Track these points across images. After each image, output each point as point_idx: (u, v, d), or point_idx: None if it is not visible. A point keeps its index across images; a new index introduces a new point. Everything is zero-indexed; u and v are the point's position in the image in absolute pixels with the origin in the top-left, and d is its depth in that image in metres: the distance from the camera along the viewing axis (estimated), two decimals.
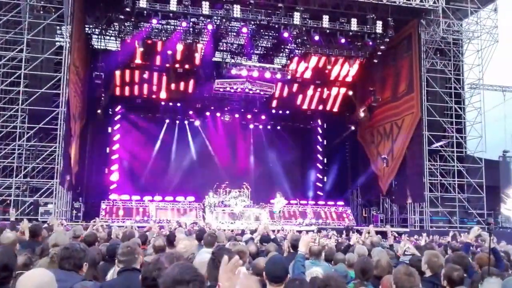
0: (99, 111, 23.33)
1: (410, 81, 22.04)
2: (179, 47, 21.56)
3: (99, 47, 23.70)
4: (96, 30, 22.83)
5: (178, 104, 25.32)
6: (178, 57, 22.21)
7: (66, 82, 18.04)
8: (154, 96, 24.56)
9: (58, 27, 19.56)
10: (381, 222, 23.26)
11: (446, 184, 21.27)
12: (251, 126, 27.12)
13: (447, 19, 20.86)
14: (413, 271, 3.40)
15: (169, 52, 21.41)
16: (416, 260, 4.80)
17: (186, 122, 26.09)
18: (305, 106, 26.73)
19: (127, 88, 24.07)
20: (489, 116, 22.44)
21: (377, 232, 9.83)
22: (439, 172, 21.16)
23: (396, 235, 11.85)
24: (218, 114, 26.09)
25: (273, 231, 12.72)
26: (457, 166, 21.29)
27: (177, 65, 22.79)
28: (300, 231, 12.70)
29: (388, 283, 3.60)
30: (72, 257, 3.41)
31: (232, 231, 13.00)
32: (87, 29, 22.20)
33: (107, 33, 23.08)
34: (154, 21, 19.74)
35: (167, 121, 25.77)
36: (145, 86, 23.97)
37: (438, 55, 21.90)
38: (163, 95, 24.56)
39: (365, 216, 25.70)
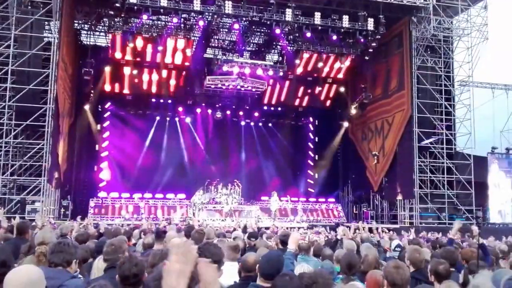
0: (87, 107, 23.08)
1: (401, 78, 22.15)
2: (170, 43, 21.39)
3: (88, 43, 23.45)
4: (85, 25, 22.55)
5: (169, 101, 25.15)
6: (169, 53, 22.04)
7: (54, 79, 17.80)
8: (144, 93, 24.36)
9: (46, 23, 19.29)
10: (371, 219, 23.37)
11: (435, 181, 21.42)
12: (243, 123, 27.05)
13: (438, 16, 20.98)
14: (402, 265, 3.40)
15: (160, 48, 21.24)
16: (405, 255, 4.80)
17: (176, 119, 25.92)
18: (296, 103, 26.74)
19: (116, 85, 23.80)
20: (478, 113, 22.64)
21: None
22: (428, 169, 21.30)
23: (386, 231, 11.89)
24: (209, 111, 25.95)
25: (266, 228, 12.74)
26: (446, 163, 21.44)
27: (167, 62, 22.62)
28: (291, 228, 12.72)
29: (372, 278, 3.59)
30: (64, 252, 3.35)
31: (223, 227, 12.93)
32: (76, 24, 21.94)
33: (97, 29, 22.80)
34: (145, 16, 19.55)
35: (158, 118, 25.58)
36: (135, 82, 23.72)
37: (429, 52, 22.02)
38: (153, 91, 24.40)
39: (355, 213, 25.82)
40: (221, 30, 22.85)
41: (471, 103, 22.32)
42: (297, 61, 23.32)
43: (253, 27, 22.42)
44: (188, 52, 22.19)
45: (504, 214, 22.57)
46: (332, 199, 26.74)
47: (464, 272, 3.99)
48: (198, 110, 25.84)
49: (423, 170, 21.12)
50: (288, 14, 20.04)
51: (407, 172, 21.25)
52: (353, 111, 24.92)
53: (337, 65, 23.85)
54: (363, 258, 4.31)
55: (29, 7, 18.50)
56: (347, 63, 23.57)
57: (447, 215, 20.92)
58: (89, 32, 23.17)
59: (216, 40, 24.39)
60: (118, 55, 21.95)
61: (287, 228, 12.15)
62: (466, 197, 21.30)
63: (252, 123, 27.16)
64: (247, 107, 26.21)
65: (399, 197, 22.05)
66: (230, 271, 3.62)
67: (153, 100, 25.00)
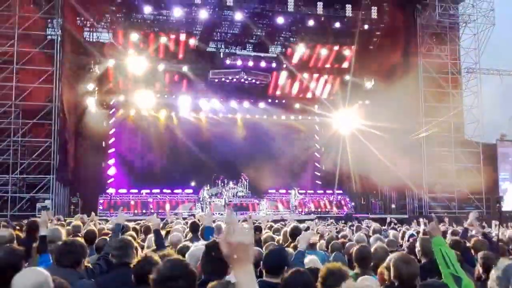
0: (92, 104, 23.09)
1: (406, 67, 21.87)
2: (172, 37, 21.30)
3: (91, 39, 23.40)
4: (88, 22, 22.51)
5: (173, 96, 25.08)
6: (171, 47, 21.96)
7: (58, 77, 17.84)
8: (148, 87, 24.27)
9: (49, 20, 19.29)
10: (380, 210, 23.27)
11: (444, 169, 21.22)
12: (248, 116, 26.93)
13: (443, 2, 20.65)
14: (411, 258, 3.35)
15: (162, 42, 21.15)
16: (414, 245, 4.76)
17: (182, 113, 25.81)
18: (301, 94, 26.56)
19: (121, 81, 23.75)
20: (486, 100, 22.35)
21: (375, 220, 9.79)
22: (437, 158, 21.12)
23: (395, 222, 11.83)
24: (214, 104, 25.82)
25: (275, 221, 12.69)
26: (455, 151, 21.24)
27: (170, 56, 22.54)
28: (300, 221, 12.66)
29: (383, 272, 3.55)
30: (72, 252, 3.33)
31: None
32: (78, 21, 21.91)
33: (99, 25, 22.74)
34: (146, 10, 19.47)
35: (163, 112, 25.51)
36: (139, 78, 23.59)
37: (434, 40, 21.71)
38: (157, 86, 24.34)
39: (363, 204, 25.71)
40: (223, 23, 22.70)
41: (478, 90, 22.03)
42: (301, 52, 23.14)
43: (255, 18, 22.25)
44: (191, 45, 22.09)
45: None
46: (340, 191, 26.63)
47: (482, 266, 3.93)
48: (203, 104, 25.71)
49: (432, 159, 20.94)
50: (290, 5, 19.85)
51: (415, 162, 21.08)
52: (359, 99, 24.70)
53: (340, 55, 23.64)
54: (373, 251, 4.27)
55: (32, 6, 18.50)
56: (351, 52, 23.35)
57: (457, 204, 20.76)
58: (91, 29, 23.11)
59: (218, 34, 24.23)
60: (121, 51, 21.87)
61: (294, 220, 12.09)
62: (475, 185, 21.11)
63: (257, 116, 27.00)
64: (252, 100, 26.08)
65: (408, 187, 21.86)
66: None
67: (158, 95, 24.91)
